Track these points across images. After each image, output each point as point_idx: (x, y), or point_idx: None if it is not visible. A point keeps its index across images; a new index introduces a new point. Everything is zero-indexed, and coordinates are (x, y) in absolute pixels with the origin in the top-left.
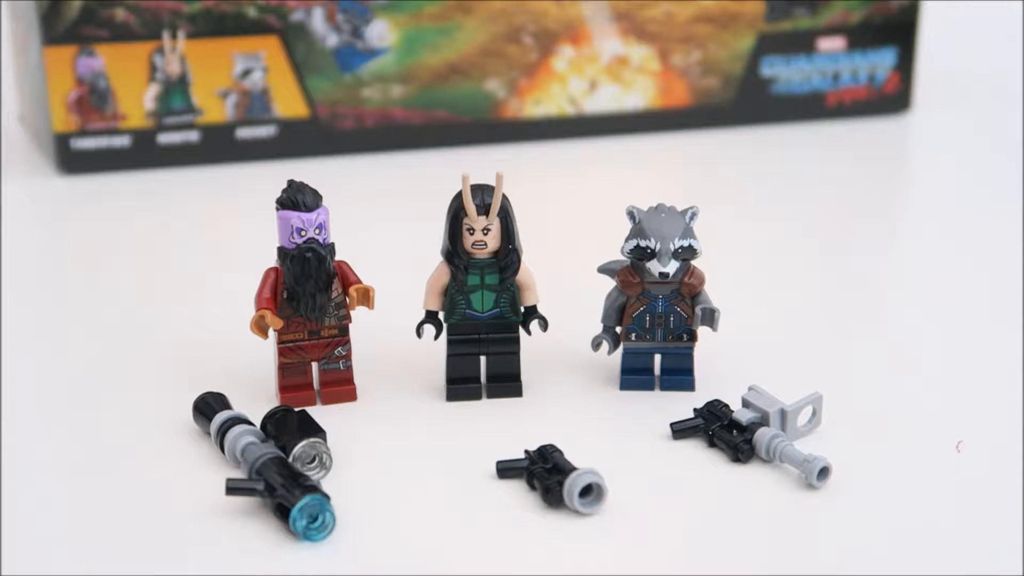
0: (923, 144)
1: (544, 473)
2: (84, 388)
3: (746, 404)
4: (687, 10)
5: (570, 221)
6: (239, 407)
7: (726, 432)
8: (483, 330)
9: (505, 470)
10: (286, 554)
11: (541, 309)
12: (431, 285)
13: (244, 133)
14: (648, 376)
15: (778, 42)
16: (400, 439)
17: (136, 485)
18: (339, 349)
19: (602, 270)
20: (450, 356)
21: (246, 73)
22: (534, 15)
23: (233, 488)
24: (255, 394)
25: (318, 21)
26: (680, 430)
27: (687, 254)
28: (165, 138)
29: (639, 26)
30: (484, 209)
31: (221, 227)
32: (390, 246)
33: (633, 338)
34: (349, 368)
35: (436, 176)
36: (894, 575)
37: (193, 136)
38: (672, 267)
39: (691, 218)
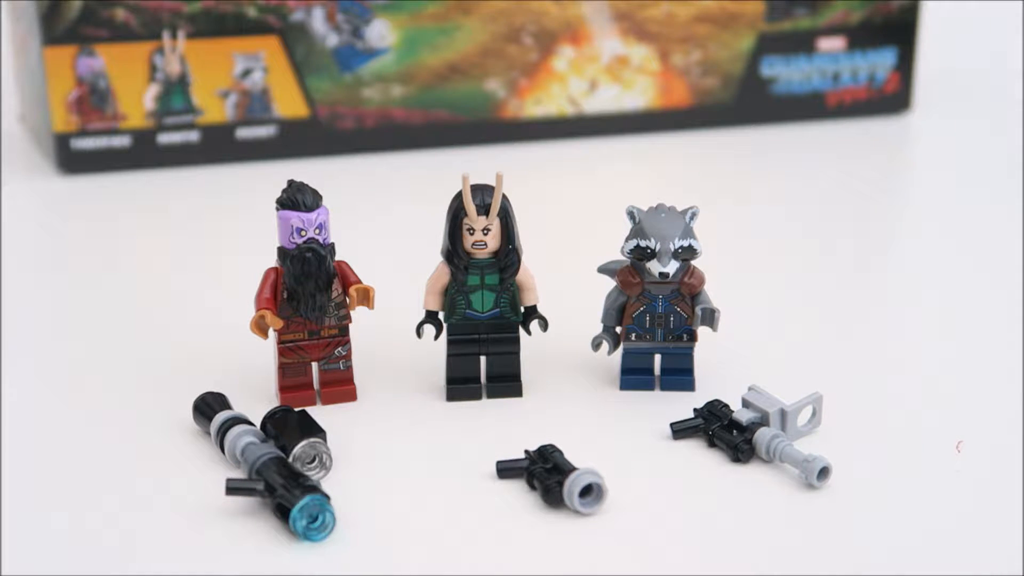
0: (923, 144)
1: (544, 473)
2: (84, 388)
3: (746, 404)
4: (687, 10)
5: (570, 221)
6: (239, 407)
7: (726, 432)
8: (483, 330)
9: (505, 470)
10: (286, 554)
11: (541, 309)
12: (431, 285)
13: (244, 133)
14: (648, 376)
15: (778, 42)
16: (400, 439)
17: (136, 485)
18: (339, 349)
19: (602, 270)
20: (450, 356)
21: (246, 73)
22: (534, 15)
23: (233, 488)
24: (255, 394)
25: (318, 21)
26: (680, 430)
27: (687, 254)
28: (165, 138)
29: (639, 26)
30: (484, 209)
31: (221, 227)
32: (390, 246)
33: (633, 338)
34: (349, 368)
35: (436, 176)
36: (894, 575)
37: (193, 136)
38: (672, 267)
39: (691, 218)
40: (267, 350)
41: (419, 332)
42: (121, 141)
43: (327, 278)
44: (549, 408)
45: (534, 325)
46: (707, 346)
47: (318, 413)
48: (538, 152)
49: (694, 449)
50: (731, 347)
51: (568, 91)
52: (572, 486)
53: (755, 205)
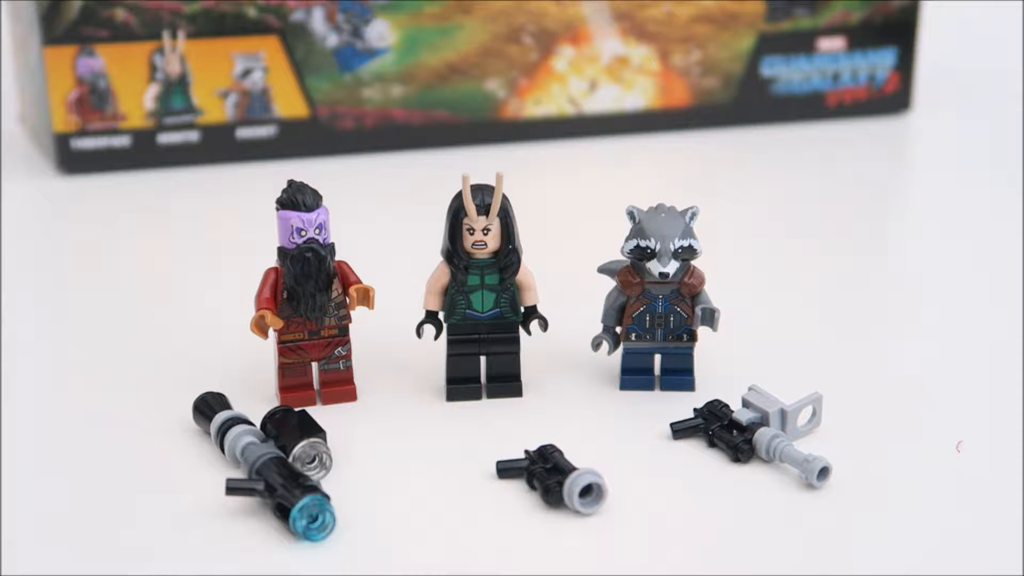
0: (923, 144)
1: (544, 473)
2: (84, 388)
3: (746, 404)
4: (687, 10)
5: (570, 221)
6: (239, 407)
7: (726, 432)
8: (483, 330)
9: (505, 470)
10: (286, 554)
11: (541, 309)
12: (431, 285)
13: (244, 133)
14: (648, 376)
15: (778, 42)
16: (400, 439)
17: (136, 485)
18: (339, 349)
19: (602, 270)
20: (450, 356)
21: (246, 73)
22: (534, 15)
23: (233, 488)
24: (255, 394)
25: (318, 21)
26: (680, 430)
27: (687, 254)
28: (165, 138)
29: (639, 26)
30: (484, 209)
31: (221, 227)
32: (390, 246)
33: (633, 338)
34: (349, 368)
35: (436, 176)
36: (894, 575)
37: (193, 136)
38: (672, 267)
39: (691, 218)
40: (267, 350)
41: (419, 332)
42: (121, 141)
43: (327, 278)
44: (549, 408)
45: (534, 325)
46: (707, 346)
47: (318, 413)
48: (538, 152)
49: (694, 449)
50: (731, 347)
51: (568, 91)
52: (572, 486)
53: (755, 205)
